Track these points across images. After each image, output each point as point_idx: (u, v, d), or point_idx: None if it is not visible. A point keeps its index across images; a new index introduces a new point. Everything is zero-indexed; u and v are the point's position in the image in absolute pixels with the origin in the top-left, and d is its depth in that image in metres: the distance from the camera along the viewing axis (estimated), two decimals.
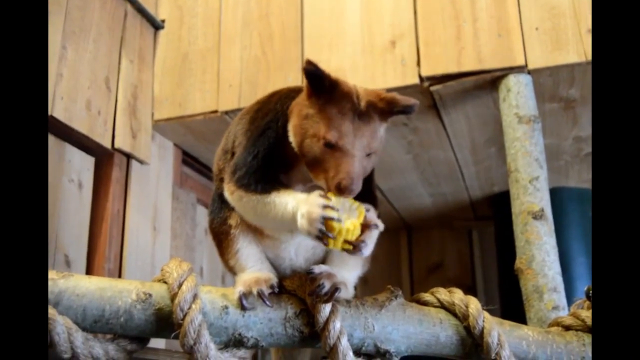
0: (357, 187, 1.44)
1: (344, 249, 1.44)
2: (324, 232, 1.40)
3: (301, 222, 1.43)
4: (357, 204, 1.47)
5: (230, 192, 1.63)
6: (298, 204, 1.46)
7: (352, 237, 1.43)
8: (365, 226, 1.46)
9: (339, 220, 1.41)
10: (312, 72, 1.47)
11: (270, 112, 1.65)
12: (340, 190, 1.43)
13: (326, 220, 1.40)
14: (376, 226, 1.49)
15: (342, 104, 1.48)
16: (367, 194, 1.63)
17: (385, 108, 1.50)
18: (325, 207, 1.41)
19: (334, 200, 1.44)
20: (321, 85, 1.48)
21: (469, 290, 4.60)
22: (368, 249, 1.48)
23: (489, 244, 4.74)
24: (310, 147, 1.50)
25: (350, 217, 1.44)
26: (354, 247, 1.43)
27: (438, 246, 5.02)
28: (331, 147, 1.46)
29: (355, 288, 1.77)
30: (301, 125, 1.52)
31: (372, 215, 1.51)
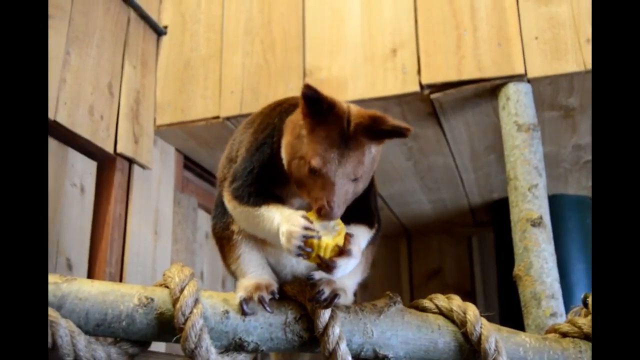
0: (338, 213, 1.46)
1: (317, 263, 1.47)
2: (302, 248, 1.43)
3: (282, 239, 1.46)
4: (341, 226, 1.49)
5: (228, 201, 1.68)
6: (282, 220, 1.49)
7: (325, 254, 1.45)
8: (342, 251, 1.48)
9: (318, 238, 1.44)
10: (311, 97, 1.47)
11: (269, 127, 1.68)
12: (321, 216, 1.46)
13: (305, 238, 1.43)
14: (349, 254, 1.49)
15: (332, 128, 1.48)
16: (364, 211, 1.65)
17: (372, 125, 1.49)
18: (306, 228, 1.43)
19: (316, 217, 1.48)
20: (318, 109, 1.49)
21: (468, 296, 4.62)
22: (338, 271, 1.47)
23: (488, 250, 4.76)
24: (297, 169, 1.52)
25: (328, 235, 1.47)
26: (326, 265, 1.46)
27: (437, 252, 5.04)
28: (315, 172, 1.48)
29: (355, 294, 1.79)
30: (292, 145, 1.55)
31: (353, 245, 1.50)
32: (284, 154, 1.58)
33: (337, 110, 1.50)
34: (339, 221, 1.50)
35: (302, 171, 1.50)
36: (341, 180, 1.47)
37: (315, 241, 1.43)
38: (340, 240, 1.48)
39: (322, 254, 1.45)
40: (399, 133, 1.49)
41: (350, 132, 1.49)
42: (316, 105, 1.49)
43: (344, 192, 1.48)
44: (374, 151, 1.55)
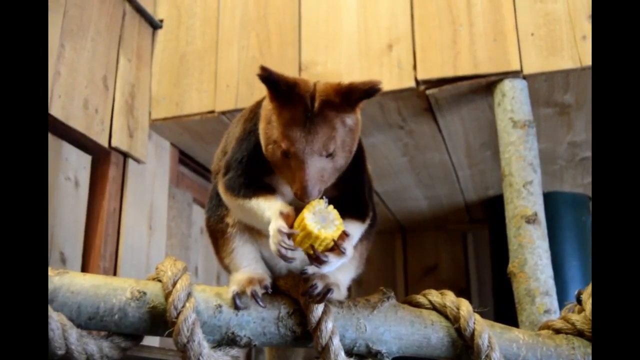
0: (314, 192, 1.46)
1: (307, 253, 1.47)
2: (285, 245, 1.44)
3: (270, 236, 1.48)
4: (340, 221, 1.48)
5: (222, 192, 1.68)
6: (271, 215, 1.50)
7: (320, 247, 1.45)
8: (337, 247, 1.48)
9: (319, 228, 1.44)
10: (266, 78, 1.47)
11: (254, 117, 1.68)
12: (299, 198, 1.47)
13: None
14: (343, 252, 1.49)
15: (295, 108, 1.49)
16: (355, 203, 1.64)
17: (343, 101, 1.50)
18: (282, 232, 1.44)
19: (316, 209, 1.47)
20: (279, 90, 1.49)
21: (463, 292, 4.63)
22: (328, 266, 1.48)
23: (484, 247, 4.76)
24: (272, 154, 1.53)
25: (327, 228, 1.46)
26: (316, 257, 1.45)
27: (433, 249, 5.04)
28: (286, 155, 1.48)
29: (350, 290, 1.78)
30: (265, 131, 1.55)
31: (347, 244, 1.51)
32: (261, 142, 1.58)
33: (298, 90, 1.49)
34: (337, 216, 1.49)
35: (277, 155, 1.51)
36: (312, 158, 1.47)
37: (314, 232, 1.43)
38: (336, 236, 1.47)
39: (316, 245, 1.44)
40: (372, 92, 1.49)
41: (315, 109, 1.48)
42: (277, 87, 1.49)
43: (318, 169, 1.48)
44: (349, 122, 1.54)
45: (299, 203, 1.50)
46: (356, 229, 1.63)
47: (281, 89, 1.48)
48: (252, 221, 1.63)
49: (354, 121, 1.55)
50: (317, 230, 1.43)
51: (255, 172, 1.62)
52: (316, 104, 1.48)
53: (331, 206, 1.50)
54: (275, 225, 1.46)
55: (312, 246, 1.45)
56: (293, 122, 1.48)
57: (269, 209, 1.52)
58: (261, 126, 1.58)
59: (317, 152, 1.48)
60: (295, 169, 1.47)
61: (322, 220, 1.46)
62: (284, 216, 1.48)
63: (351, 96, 1.50)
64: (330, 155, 1.50)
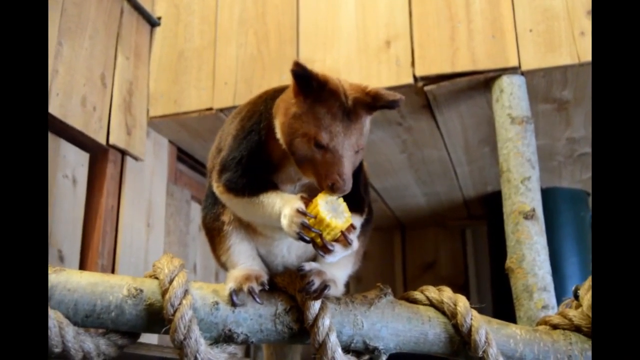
0: (349, 185, 1.47)
1: (314, 241, 1.46)
2: (305, 225, 1.43)
3: (283, 221, 1.47)
4: (348, 214, 1.49)
5: (220, 192, 1.66)
6: (284, 204, 1.50)
7: (328, 235, 1.46)
8: (345, 238, 1.49)
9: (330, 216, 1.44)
10: (300, 74, 1.48)
11: (255, 115, 1.67)
12: (333, 190, 1.46)
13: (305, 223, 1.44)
14: (350, 244, 1.50)
15: (331, 103, 1.49)
16: (354, 195, 1.64)
17: (370, 103, 1.52)
18: (300, 213, 1.44)
19: (328, 199, 1.47)
20: (309, 86, 1.49)
21: (462, 289, 4.63)
22: (332, 256, 1.49)
23: (482, 243, 4.77)
24: (301, 147, 1.51)
25: (337, 218, 1.46)
26: (323, 245, 1.46)
27: (431, 245, 5.04)
28: (322, 148, 1.48)
29: (348, 286, 1.78)
30: (290, 125, 1.53)
31: (353, 236, 1.52)
32: (280, 135, 1.57)
33: (330, 87, 1.50)
34: (346, 209, 1.49)
35: (307, 149, 1.50)
36: (348, 152, 1.49)
37: (326, 219, 1.43)
38: (345, 227, 1.48)
39: (325, 233, 1.45)
40: (391, 101, 1.52)
41: (349, 106, 1.50)
42: (307, 83, 1.49)
43: (352, 164, 1.50)
44: (367, 123, 1.57)
45: None
46: (358, 222, 1.64)
47: (312, 85, 1.49)
48: (259, 216, 1.62)
49: (369, 122, 1.59)
50: (329, 219, 1.44)
51: (258, 171, 1.61)
52: (350, 101, 1.50)
53: (341, 199, 1.50)
54: (295, 205, 1.46)
55: (320, 235, 1.45)
56: (331, 117, 1.49)
57: (281, 199, 1.53)
58: (281, 120, 1.57)
59: (352, 147, 1.50)
60: (331, 162, 1.47)
61: (333, 210, 1.47)
62: (304, 200, 1.49)
63: (378, 101, 1.52)
64: (357, 152, 1.53)
